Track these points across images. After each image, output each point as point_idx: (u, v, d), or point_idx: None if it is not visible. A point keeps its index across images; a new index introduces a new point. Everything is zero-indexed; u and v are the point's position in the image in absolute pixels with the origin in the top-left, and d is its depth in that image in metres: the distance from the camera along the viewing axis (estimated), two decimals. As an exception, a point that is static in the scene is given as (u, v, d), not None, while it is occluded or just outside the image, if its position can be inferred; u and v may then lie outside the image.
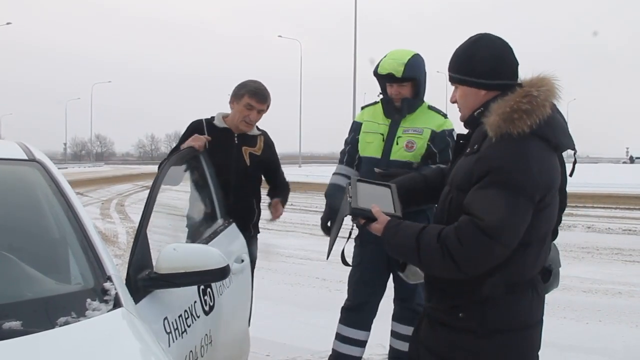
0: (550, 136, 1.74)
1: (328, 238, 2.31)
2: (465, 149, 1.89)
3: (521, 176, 1.67)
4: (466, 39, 1.93)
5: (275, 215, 3.31)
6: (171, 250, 1.85)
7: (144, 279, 1.83)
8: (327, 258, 2.06)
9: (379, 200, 1.93)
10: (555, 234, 1.90)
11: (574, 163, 1.84)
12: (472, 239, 1.67)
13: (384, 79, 3.14)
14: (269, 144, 3.33)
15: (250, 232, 3.23)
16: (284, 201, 3.36)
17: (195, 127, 3.20)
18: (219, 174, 3.10)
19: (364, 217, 1.90)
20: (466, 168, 1.79)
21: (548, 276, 1.89)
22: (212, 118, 3.25)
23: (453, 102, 1.96)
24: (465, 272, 1.71)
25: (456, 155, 1.97)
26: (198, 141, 2.97)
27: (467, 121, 1.92)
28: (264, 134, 3.33)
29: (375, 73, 3.15)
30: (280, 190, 3.42)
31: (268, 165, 3.32)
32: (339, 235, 2.10)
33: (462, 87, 1.89)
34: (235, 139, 3.19)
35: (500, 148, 1.70)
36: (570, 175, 1.83)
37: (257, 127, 3.28)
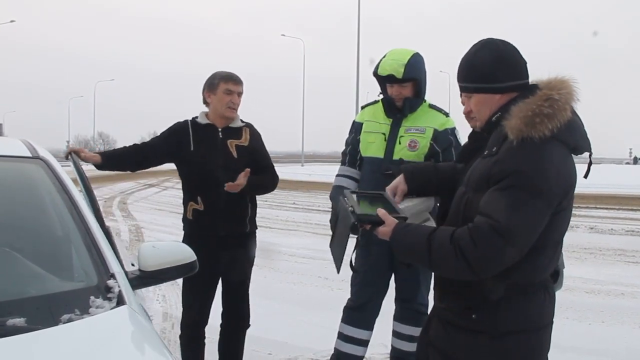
0: (570, 140, 1.73)
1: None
2: (480, 151, 1.87)
3: (541, 180, 1.66)
4: (470, 47, 1.90)
5: (236, 181, 3.01)
6: (151, 247, 1.87)
7: (134, 278, 1.83)
8: (339, 272, 2.03)
9: (379, 206, 1.92)
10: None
11: (589, 165, 1.82)
12: (487, 240, 1.65)
13: (385, 80, 3.12)
14: (255, 135, 3.26)
15: (246, 227, 3.18)
16: (256, 180, 3.10)
17: (178, 128, 3.20)
18: (207, 170, 3.09)
19: (370, 222, 1.89)
20: (483, 170, 1.77)
21: (556, 277, 1.88)
22: (196, 117, 3.23)
23: (467, 112, 1.93)
24: (477, 274, 1.70)
25: (471, 156, 1.95)
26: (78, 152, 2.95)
27: (485, 128, 1.89)
28: (249, 125, 3.28)
29: (375, 74, 3.13)
30: (265, 175, 3.22)
31: (256, 156, 3.20)
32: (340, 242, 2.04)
33: (477, 96, 1.87)
34: (220, 133, 3.16)
35: (521, 152, 1.68)
36: (585, 177, 1.81)
37: (241, 120, 3.24)
